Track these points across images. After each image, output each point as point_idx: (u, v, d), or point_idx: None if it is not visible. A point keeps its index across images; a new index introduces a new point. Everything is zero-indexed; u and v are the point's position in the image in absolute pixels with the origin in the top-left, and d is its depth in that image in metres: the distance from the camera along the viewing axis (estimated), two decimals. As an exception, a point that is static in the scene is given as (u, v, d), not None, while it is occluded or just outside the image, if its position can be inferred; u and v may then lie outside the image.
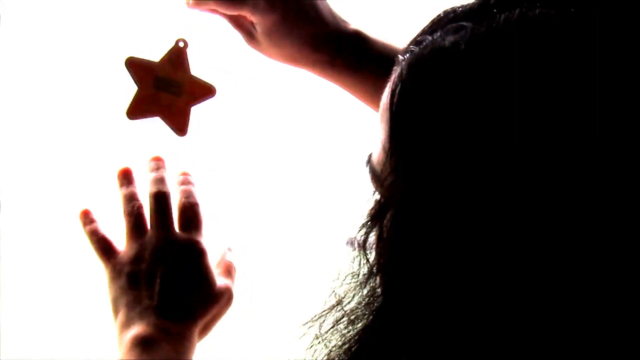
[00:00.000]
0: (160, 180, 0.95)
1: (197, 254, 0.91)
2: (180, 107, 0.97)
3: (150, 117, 0.97)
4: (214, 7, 0.96)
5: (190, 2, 0.97)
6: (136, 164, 0.98)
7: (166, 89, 0.97)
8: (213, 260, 0.93)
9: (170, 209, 0.93)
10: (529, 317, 0.57)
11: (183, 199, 0.94)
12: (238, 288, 0.93)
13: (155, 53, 0.99)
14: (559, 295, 0.57)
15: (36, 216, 1.08)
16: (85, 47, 1.07)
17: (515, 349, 0.57)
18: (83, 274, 1.07)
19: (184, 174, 0.97)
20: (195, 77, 0.98)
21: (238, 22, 0.98)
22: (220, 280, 0.92)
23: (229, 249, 0.97)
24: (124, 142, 1.05)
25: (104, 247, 0.93)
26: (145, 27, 1.05)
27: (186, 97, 0.97)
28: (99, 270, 1.01)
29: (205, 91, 0.98)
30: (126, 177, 0.96)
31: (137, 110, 0.97)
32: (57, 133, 1.10)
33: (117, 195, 0.95)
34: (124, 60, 0.96)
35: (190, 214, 0.94)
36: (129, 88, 0.97)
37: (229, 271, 0.94)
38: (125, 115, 0.96)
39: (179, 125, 0.97)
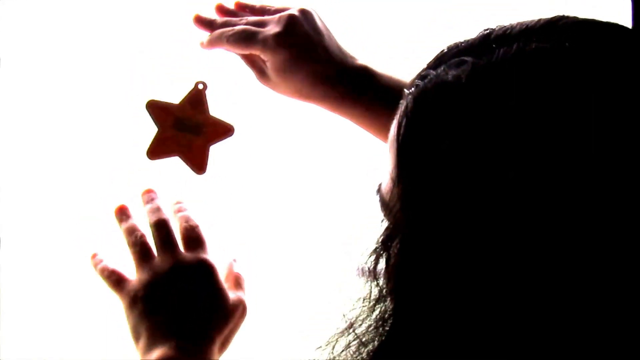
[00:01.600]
0: (157, 209, 0.97)
1: (207, 269, 0.93)
2: (199, 147, 1.00)
3: (170, 156, 1.00)
4: (226, 47, 1.00)
5: (204, 43, 1.01)
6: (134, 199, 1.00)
7: (186, 130, 1.00)
8: (221, 275, 0.94)
9: (173, 232, 0.95)
10: (536, 336, 0.59)
11: (183, 224, 0.96)
12: (250, 298, 0.95)
13: (169, 91, 1.02)
14: (568, 321, 0.59)
15: (36, 218, 1.09)
16: (105, 87, 1.10)
17: None
18: (83, 275, 1.07)
19: (177, 202, 0.99)
20: (214, 117, 1.01)
21: (250, 60, 1.01)
22: (232, 294, 0.93)
23: (234, 260, 0.99)
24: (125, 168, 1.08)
25: (116, 279, 0.94)
26: (164, 67, 1.07)
27: (205, 137, 1.00)
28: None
29: (224, 130, 1.00)
30: (123, 213, 0.98)
31: (157, 150, 1.00)
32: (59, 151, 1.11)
33: (118, 232, 0.97)
34: (145, 103, 1.00)
35: (193, 234, 0.95)
36: (150, 129, 1.00)
37: (238, 283, 0.96)
38: (145, 155, 1.00)
39: (198, 164, 1.00)
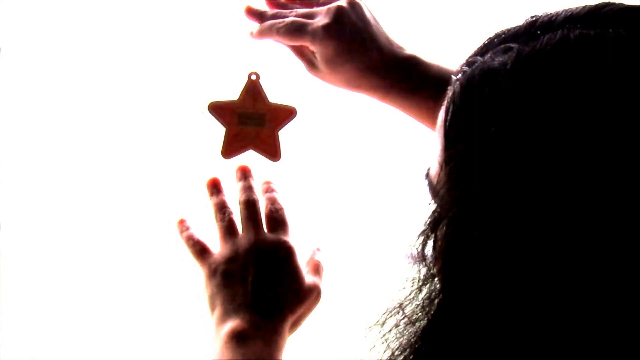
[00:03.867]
0: (249, 188, 1.01)
1: (286, 252, 0.96)
2: (268, 135, 1.02)
3: (243, 151, 1.03)
4: (276, 38, 1.02)
5: (254, 33, 1.03)
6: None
7: (250, 122, 1.02)
8: (302, 259, 0.98)
9: (259, 213, 0.99)
10: (578, 310, 0.60)
11: (269, 205, 1.00)
12: (326, 286, 0.98)
13: (166, 88, 1.04)
14: (606, 296, 0.60)
15: (36, 218, 1.11)
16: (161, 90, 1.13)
17: (565, 342, 0.61)
18: (83, 274, 1.10)
19: (267, 182, 1.03)
20: (274, 103, 1.03)
21: (299, 51, 1.03)
22: (309, 278, 0.97)
23: (318, 249, 1.02)
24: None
25: (200, 250, 0.99)
26: (160, 60, 1.10)
27: (271, 124, 1.02)
28: (98, 272, 1.06)
29: (286, 114, 1.03)
30: (215, 187, 1.03)
31: (230, 149, 1.03)
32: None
33: (208, 203, 1.01)
34: (207, 106, 1.02)
35: (277, 216, 0.99)
36: (218, 129, 1.03)
37: (317, 270, 0.99)
38: (221, 156, 1.03)
39: (271, 151, 1.03)
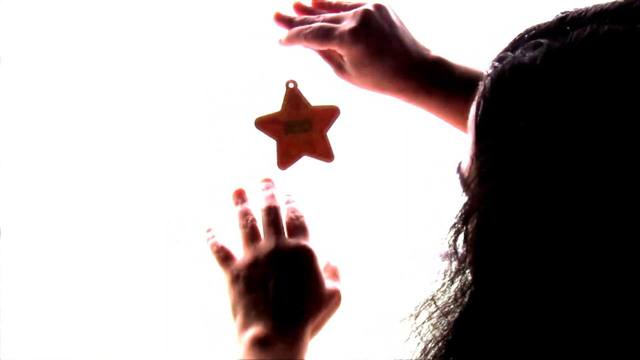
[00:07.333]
0: (271, 197, 1.02)
1: (306, 255, 0.97)
2: (317, 138, 1.04)
3: (298, 159, 1.05)
4: (304, 44, 1.03)
5: (282, 40, 1.05)
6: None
7: (298, 129, 1.04)
8: (323, 264, 0.98)
9: (281, 219, 1.00)
10: (609, 300, 0.61)
11: (290, 214, 1.01)
12: (346, 289, 0.98)
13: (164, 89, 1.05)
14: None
15: (36, 218, 1.12)
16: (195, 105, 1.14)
17: (597, 331, 0.62)
18: (83, 274, 1.11)
19: (288, 194, 1.04)
20: (317, 105, 1.04)
21: (327, 55, 1.04)
22: (328, 283, 0.97)
23: (333, 253, 1.02)
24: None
25: (224, 256, 1.00)
26: (158, 65, 1.11)
27: (318, 127, 1.04)
28: (98, 272, 1.07)
29: (331, 114, 1.04)
30: (240, 197, 1.04)
31: (284, 160, 1.04)
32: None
33: (233, 211, 1.03)
34: (254, 122, 1.04)
35: (297, 223, 1.00)
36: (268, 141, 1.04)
37: (335, 274, 1.00)
38: (278, 168, 1.04)
39: (324, 153, 1.04)
